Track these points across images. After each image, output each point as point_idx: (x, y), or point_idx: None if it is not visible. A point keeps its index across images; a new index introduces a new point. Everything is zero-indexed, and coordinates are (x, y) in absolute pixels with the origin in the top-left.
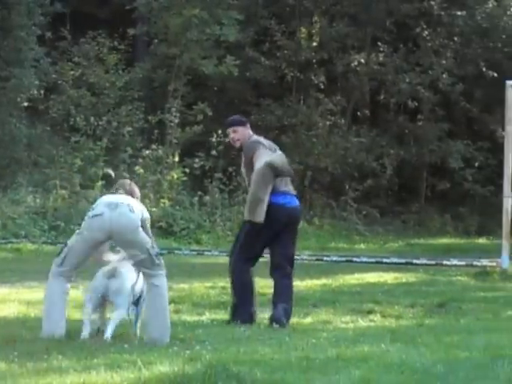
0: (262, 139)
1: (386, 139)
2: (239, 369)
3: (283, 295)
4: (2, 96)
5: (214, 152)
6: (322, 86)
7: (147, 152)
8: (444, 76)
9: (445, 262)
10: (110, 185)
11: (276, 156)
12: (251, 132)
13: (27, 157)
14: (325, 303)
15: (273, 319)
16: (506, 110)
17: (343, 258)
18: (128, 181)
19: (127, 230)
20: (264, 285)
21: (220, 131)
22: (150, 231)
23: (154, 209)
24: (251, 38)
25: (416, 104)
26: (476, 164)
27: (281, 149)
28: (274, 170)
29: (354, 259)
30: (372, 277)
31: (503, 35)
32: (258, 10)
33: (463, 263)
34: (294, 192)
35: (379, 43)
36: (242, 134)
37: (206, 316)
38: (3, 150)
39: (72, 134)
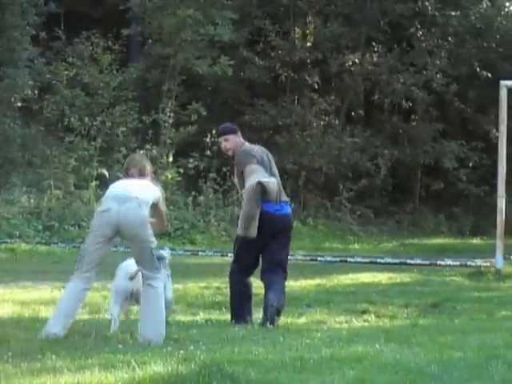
0: (254, 148)
1: (380, 139)
2: (233, 369)
3: (274, 295)
4: None
5: (208, 152)
6: (316, 86)
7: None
8: (438, 76)
9: (439, 262)
10: (104, 185)
11: (269, 179)
12: (242, 139)
13: (21, 157)
14: (319, 303)
15: (265, 320)
16: (499, 110)
17: (337, 258)
18: (138, 156)
19: (134, 224)
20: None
21: (214, 131)
22: (165, 208)
23: None
24: (245, 38)
25: (410, 104)
26: (470, 164)
27: (275, 149)
28: (263, 190)
29: (349, 259)
30: (366, 277)
31: (497, 35)
32: (252, 10)
33: (457, 263)
34: (286, 199)
35: (373, 43)
36: (233, 142)
37: (200, 316)
38: None
39: (66, 134)
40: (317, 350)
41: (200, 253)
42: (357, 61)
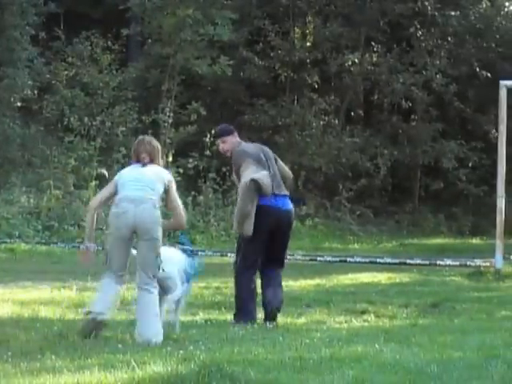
0: (249, 147)
1: (379, 139)
2: (233, 369)
3: (273, 293)
4: None
5: (207, 152)
6: (316, 86)
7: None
8: (438, 76)
9: (438, 262)
10: (103, 185)
11: (261, 174)
12: (239, 140)
13: (21, 157)
14: (318, 303)
15: (265, 318)
16: (499, 109)
17: (337, 258)
18: (147, 138)
19: (150, 224)
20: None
21: (213, 131)
22: (176, 193)
23: None
24: (245, 38)
25: (410, 104)
26: (469, 164)
27: (274, 149)
28: (257, 187)
29: (348, 259)
30: (366, 277)
31: (497, 35)
32: (252, 10)
33: (457, 263)
34: (286, 193)
35: (373, 43)
36: (230, 143)
37: (200, 316)
38: None
39: (66, 134)
40: (316, 350)
41: (199, 253)
42: (356, 61)
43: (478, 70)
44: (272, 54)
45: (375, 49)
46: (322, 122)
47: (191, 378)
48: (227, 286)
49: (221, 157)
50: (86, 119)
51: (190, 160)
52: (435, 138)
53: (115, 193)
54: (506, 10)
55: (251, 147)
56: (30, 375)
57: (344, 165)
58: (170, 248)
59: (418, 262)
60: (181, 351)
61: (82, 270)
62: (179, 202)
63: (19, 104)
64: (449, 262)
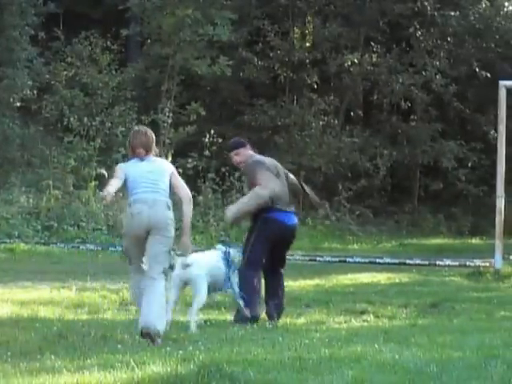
0: (265, 159)
1: (379, 139)
2: (232, 369)
3: (275, 293)
4: None
5: (206, 152)
6: (315, 86)
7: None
8: (437, 77)
9: (438, 263)
10: (103, 185)
11: (281, 188)
12: (252, 152)
13: (20, 157)
14: (318, 303)
15: (269, 314)
16: (498, 110)
17: (336, 259)
18: (142, 129)
19: (163, 225)
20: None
21: (213, 131)
22: (181, 179)
23: None
24: (244, 39)
25: (409, 104)
26: (469, 164)
27: (274, 149)
28: (273, 199)
29: (348, 259)
30: (365, 277)
31: (496, 35)
32: (251, 11)
33: (456, 263)
34: (292, 209)
35: (372, 43)
36: (243, 155)
37: (199, 316)
38: None
39: (65, 134)
40: (316, 350)
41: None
42: (356, 61)
43: (477, 70)
44: (271, 54)
45: (375, 49)
46: (321, 122)
47: (191, 378)
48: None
49: (220, 157)
50: (85, 119)
51: (190, 160)
52: (435, 138)
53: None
54: (505, 10)
55: (267, 159)
56: (29, 375)
57: (343, 165)
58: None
59: (418, 262)
60: (180, 351)
61: (82, 270)
62: (187, 189)
63: (19, 104)
64: (448, 262)
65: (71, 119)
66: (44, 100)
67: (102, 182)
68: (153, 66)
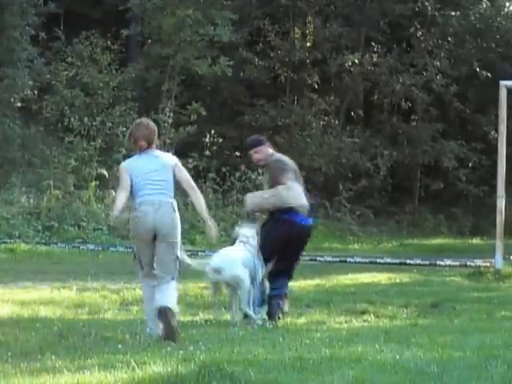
0: (285, 158)
1: (379, 140)
2: (233, 369)
3: (280, 301)
4: None
5: (207, 152)
6: (316, 87)
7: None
8: (438, 77)
9: (438, 263)
10: (103, 185)
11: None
12: (271, 149)
13: (21, 157)
14: (318, 303)
15: (268, 315)
16: (499, 110)
17: (337, 259)
18: (144, 121)
19: (169, 227)
20: None
21: (213, 131)
22: (185, 172)
23: None
24: (245, 39)
25: (410, 104)
26: (469, 164)
27: (274, 149)
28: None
29: (348, 259)
30: (366, 277)
31: (497, 35)
32: (252, 11)
33: (457, 263)
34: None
35: (373, 43)
36: (263, 153)
37: (200, 316)
38: None
39: (66, 134)
40: (316, 350)
41: (200, 253)
42: (356, 61)
43: (478, 70)
44: (272, 55)
45: (375, 49)
46: (321, 123)
47: (191, 378)
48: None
49: (221, 157)
50: (85, 119)
51: (190, 160)
52: (435, 138)
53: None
54: (506, 10)
55: (286, 158)
56: (29, 375)
57: (344, 165)
58: (233, 248)
59: (418, 262)
60: (181, 351)
61: (83, 270)
62: (190, 181)
63: (19, 104)
64: (449, 262)
65: (72, 119)
66: (44, 100)
67: (102, 181)
68: (153, 66)
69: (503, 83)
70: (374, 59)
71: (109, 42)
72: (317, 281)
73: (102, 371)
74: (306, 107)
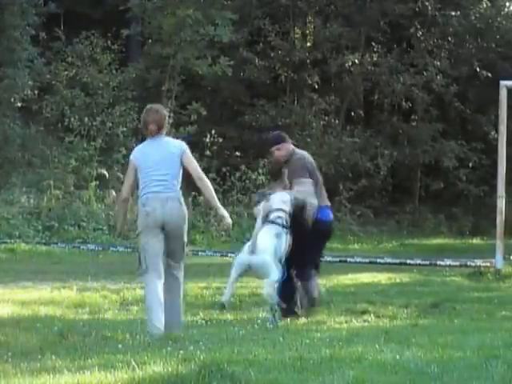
0: (306, 155)
1: (379, 139)
2: (233, 369)
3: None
4: None
5: (207, 152)
6: (316, 87)
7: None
8: (438, 77)
9: (439, 263)
10: (104, 185)
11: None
12: (292, 146)
13: (21, 157)
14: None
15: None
16: (499, 110)
17: (337, 259)
18: (154, 107)
19: (177, 220)
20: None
21: (214, 131)
22: (194, 161)
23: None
24: (245, 39)
25: (410, 104)
26: (470, 164)
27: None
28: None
29: (348, 259)
30: (366, 277)
31: (497, 35)
32: (252, 11)
33: (457, 263)
34: (327, 203)
35: (373, 43)
36: (285, 149)
37: (200, 316)
38: None
39: (66, 134)
40: (316, 350)
41: (200, 253)
42: (356, 61)
43: (478, 70)
44: (272, 55)
45: (375, 49)
46: (322, 123)
47: (191, 378)
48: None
49: (221, 157)
50: (86, 119)
51: None
52: (435, 138)
53: (137, 176)
54: (506, 10)
55: (306, 155)
56: (30, 375)
57: (344, 165)
58: (263, 235)
59: (419, 262)
60: (181, 351)
61: (83, 270)
62: (197, 170)
63: (19, 104)
64: (449, 262)
65: (72, 119)
66: (45, 100)
67: (102, 181)
68: (153, 65)
69: (503, 83)
70: (375, 59)
71: (109, 42)
72: (317, 281)
73: (102, 371)
74: (307, 107)
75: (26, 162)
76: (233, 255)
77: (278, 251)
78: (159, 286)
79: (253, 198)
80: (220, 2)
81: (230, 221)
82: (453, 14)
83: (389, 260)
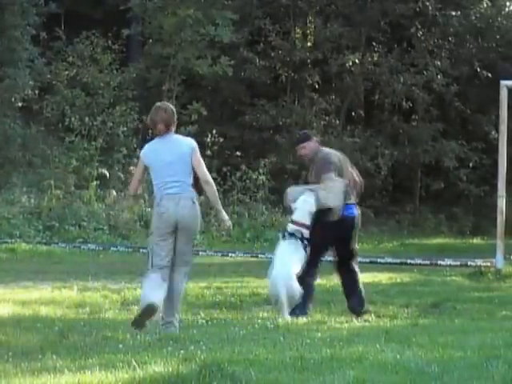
0: (331, 154)
1: (380, 139)
2: (234, 369)
3: (353, 287)
4: None
5: (208, 152)
6: (317, 86)
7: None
8: (438, 76)
9: (439, 262)
10: (104, 185)
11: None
12: (318, 144)
13: (22, 157)
14: (319, 303)
15: (349, 309)
16: (500, 110)
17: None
18: (163, 106)
19: (189, 219)
20: (258, 285)
21: (214, 131)
22: (201, 160)
23: (148, 209)
24: (245, 39)
25: (410, 104)
26: (470, 164)
27: (275, 149)
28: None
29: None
30: (366, 277)
31: (497, 35)
32: (253, 11)
33: (458, 263)
34: (353, 201)
35: (374, 43)
36: (309, 149)
37: (201, 316)
38: None
39: (66, 134)
40: (317, 350)
41: (200, 253)
42: (357, 61)
43: (478, 70)
44: (273, 54)
45: (376, 49)
46: (322, 122)
47: (192, 378)
48: (228, 285)
49: (222, 156)
50: (86, 119)
51: None
52: (436, 138)
53: (145, 173)
54: (506, 9)
55: (332, 153)
56: (30, 375)
57: None
58: (281, 251)
59: (419, 261)
60: (182, 351)
61: (83, 270)
62: (204, 171)
63: (20, 104)
64: (449, 262)
65: (72, 119)
66: (45, 100)
67: (103, 181)
68: (154, 65)
69: (504, 83)
70: (375, 59)
71: (109, 42)
72: (317, 280)
73: (103, 371)
74: (307, 107)
75: (26, 162)
76: (233, 255)
77: (296, 264)
78: (160, 283)
79: (287, 195)
80: (220, 1)
81: (230, 223)
82: (453, 13)
83: (389, 260)
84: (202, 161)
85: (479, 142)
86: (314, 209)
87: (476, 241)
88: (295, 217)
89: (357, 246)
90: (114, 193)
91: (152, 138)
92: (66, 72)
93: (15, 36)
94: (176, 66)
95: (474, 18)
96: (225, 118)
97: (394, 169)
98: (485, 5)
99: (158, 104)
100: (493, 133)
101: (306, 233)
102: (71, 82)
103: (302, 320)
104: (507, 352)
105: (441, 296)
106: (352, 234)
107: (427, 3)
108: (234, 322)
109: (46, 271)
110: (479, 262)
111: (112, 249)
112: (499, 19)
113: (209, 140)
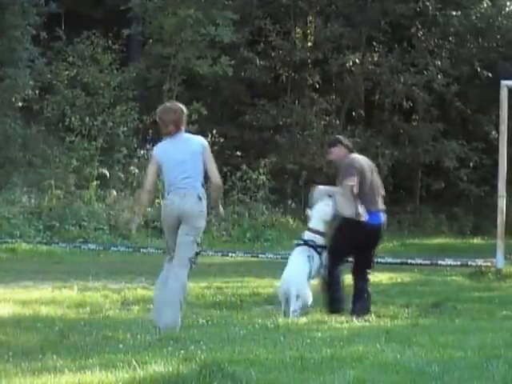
0: (355, 161)
1: (380, 139)
2: (234, 369)
3: (360, 294)
4: None
5: None
6: (317, 86)
7: (142, 152)
8: (439, 76)
9: (440, 262)
10: (104, 185)
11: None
12: (346, 150)
13: (22, 157)
14: (320, 303)
15: (351, 311)
16: (500, 110)
17: None
18: (173, 107)
19: (192, 214)
20: (258, 285)
21: (215, 131)
22: (212, 160)
23: (149, 209)
24: (246, 39)
25: (411, 104)
26: (471, 164)
27: (275, 149)
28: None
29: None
30: None
31: (498, 35)
32: (253, 11)
33: (458, 263)
34: (378, 208)
35: (374, 43)
36: (335, 154)
37: (201, 316)
38: None
39: (67, 134)
40: (317, 350)
41: (201, 252)
42: (357, 61)
43: (478, 70)
44: (273, 54)
45: (376, 49)
46: (323, 122)
47: (192, 377)
48: (228, 285)
49: (222, 157)
50: (87, 119)
51: None
52: (436, 138)
53: (159, 171)
54: (507, 9)
55: (356, 160)
56: (31, 375)
57: None
58: (295, 258)
59: (419, 261)
60: (182, 351)
61: (84, 270)
62: (215, 173)
63: (20, 104)
64: (450, 261)
65: (73, 119)
66: (46, 100)
67: (103, 181)
68: (154, 65)
69: (504, 83)
70: (375, 59)
71: (110, 42)
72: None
73: (103, 371)
74: (307, 107)
75: (26, 162)
76: (233, 255)
77: (310, 272)
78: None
79: (312, 196)
80: (221, 1)
81: (223, 213)
82: (453, 13)
83: (390, 260)
84: (212, 159)
85: (479, 142)
86: (328, 217)
87: (476, 241)
88: (311, 224)
89: (375, 260)
90: (115, 193)
91: (152, 138)
92: (67, 72)
93: (15, 36)
94: (176, 65)
95: (474, 17)
96: (225, 117)
97: (395, 169)
98: (485, 5)
99: (168, 104)
100: (493, 133)
101: (321, 240)
102: (71, 82)
103: (303, 320)
104: (507, 352)
105: (441, 296)
106: (374, 241)
107: (427, 3)
108: (234, 322)
109: (46, 271)
110: (480, 261)
111: (112, 249)
112: (499, 19)
113: (209, 140)
